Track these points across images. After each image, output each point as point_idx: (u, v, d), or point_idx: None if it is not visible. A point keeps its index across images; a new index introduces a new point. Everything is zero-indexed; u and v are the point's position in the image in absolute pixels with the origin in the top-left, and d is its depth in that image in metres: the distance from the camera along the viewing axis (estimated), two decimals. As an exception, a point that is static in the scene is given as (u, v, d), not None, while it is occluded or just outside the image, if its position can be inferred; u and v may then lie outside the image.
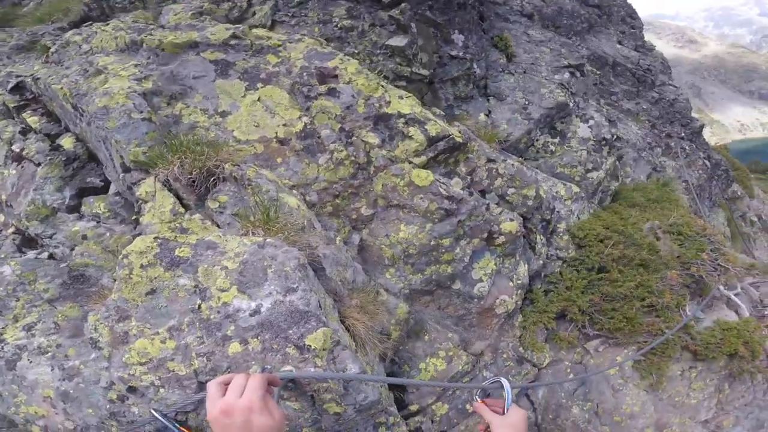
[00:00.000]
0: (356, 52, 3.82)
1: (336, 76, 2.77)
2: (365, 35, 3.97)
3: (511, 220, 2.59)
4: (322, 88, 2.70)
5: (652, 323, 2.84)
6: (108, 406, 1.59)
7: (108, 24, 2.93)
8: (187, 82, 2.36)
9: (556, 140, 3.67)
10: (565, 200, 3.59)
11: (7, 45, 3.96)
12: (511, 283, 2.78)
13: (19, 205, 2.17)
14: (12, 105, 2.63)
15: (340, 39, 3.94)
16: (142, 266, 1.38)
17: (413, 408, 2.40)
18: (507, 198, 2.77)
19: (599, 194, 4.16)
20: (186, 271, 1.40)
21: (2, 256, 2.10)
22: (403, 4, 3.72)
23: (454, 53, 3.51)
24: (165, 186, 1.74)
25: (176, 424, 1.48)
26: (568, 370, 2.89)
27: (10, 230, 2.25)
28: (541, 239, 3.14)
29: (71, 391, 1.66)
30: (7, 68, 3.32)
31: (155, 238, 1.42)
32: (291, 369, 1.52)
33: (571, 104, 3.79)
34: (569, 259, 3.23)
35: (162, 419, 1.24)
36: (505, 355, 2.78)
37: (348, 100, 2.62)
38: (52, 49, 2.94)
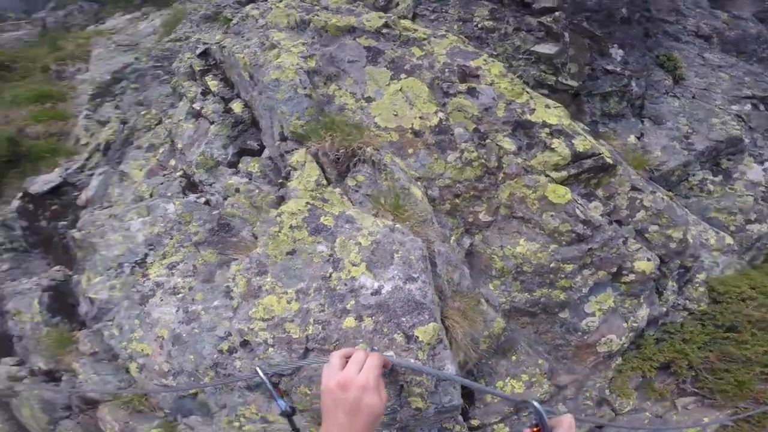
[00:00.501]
0: (495, 54, 3.71)
1: (477, 76, 2.72)
2: (507, 38, 3.82)
3: (648, 260, 2.31)
4: (462, 87, 2.67)
5: (764, 391, 2.38)
6: (214, 356, 1.78)
7: (281, 1, 3.27)
8: (342, 65, 2.53)
9: (718, 179, 3.15)
10: (712, 250, 3.09)
11: (197, 14, 4.66)
12: (624, 324, 2.50)
13: (192, 154, 2.56)
14: (197, 68, 3.10)
15: (480, 39, 3.85)
16: (290, 227, 1.52)
17: (475, 423, 2.32)
18: (646, 235, 2.47)
19: (754, 250, 3.50)
20: (326, 239, 1.51)
21: (169, 194, 2.50)
22: (557, 13, 3.50)
23: (609, 67, 3.21)
24: (314, 158, 1.90)
25: (274, 386, 1.55)
26: (646, 421, 2.56)
27: (179, 173, 2.66)
28: (673, 286, 2.76)
29: (184, 335, 1.89)
30: (196, 35, 3.91)
31: (307, 203, 1.55)
32: (392, 354, 1.55)
33: (747, 141, 3.21)
34: (698, 312, 2.82)
35: (263, 378, 1.28)
36: (587, 394, 2.54)
37: (487, 102, 2.56)
38: (234, 21, 3.36)
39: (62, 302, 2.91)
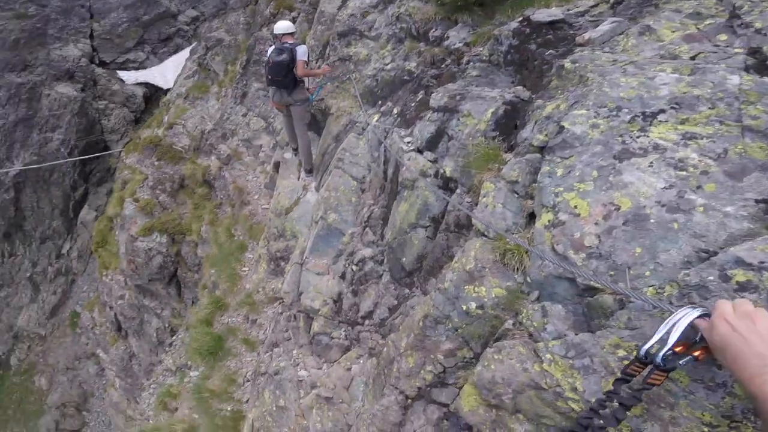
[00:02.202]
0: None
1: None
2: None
3: None
4: None
5: None
6: (678, 262, 1.32)
7: None
8: None
9: None
10: None
11: None
12: None
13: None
14: None
15: None
16: None
17: None
18: None
19: None
20: None
21: (725, 66, 1.97)
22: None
23: None
24: None
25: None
26: None
27: (738, 50, 2.06)
28: None
29: (652, 220, 1.48)
30: None
31: None
32: None
33: None
34: None
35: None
36: None
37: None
38: None
39: (509, 120, 3.14)
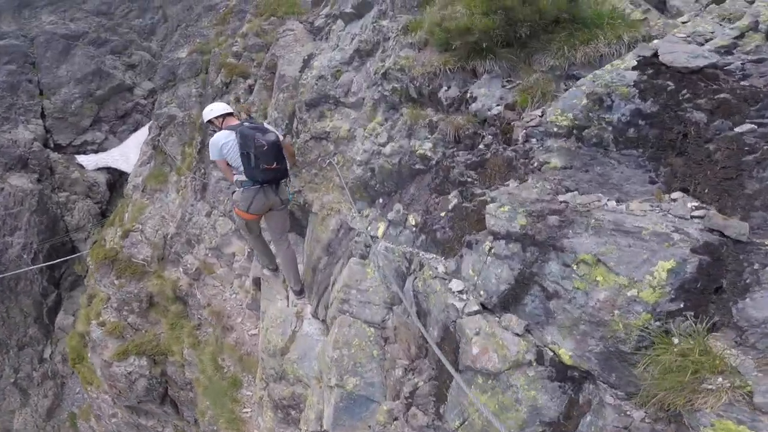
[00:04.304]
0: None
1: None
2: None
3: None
4: None
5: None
6: None
7: None
8: None
9: None
10: None
11: None
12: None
13: None
14: None
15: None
16: None
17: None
18: None
19: None
20: None
21: None
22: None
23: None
24: None
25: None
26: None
27: None
28: None
29: None
30: None
31: None
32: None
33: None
34: None
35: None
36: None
37: None
38: None
39: (707, 281, 1.54)
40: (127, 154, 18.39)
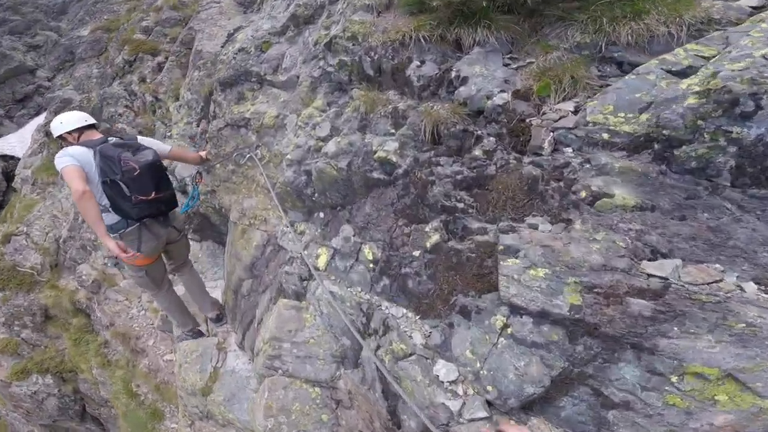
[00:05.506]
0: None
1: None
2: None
3: None
4: None
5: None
6: None
7: None
8: None
9: None
10: None
11: None
12: None
13: None
14: None
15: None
16: None
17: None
18: None
19: None
20: None
21: None
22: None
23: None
24: None
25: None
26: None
27: None
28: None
29: None
30: None
31: None
32: None
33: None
34: None
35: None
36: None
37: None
38: None
39: None
40: (24, 140, 15.67)
